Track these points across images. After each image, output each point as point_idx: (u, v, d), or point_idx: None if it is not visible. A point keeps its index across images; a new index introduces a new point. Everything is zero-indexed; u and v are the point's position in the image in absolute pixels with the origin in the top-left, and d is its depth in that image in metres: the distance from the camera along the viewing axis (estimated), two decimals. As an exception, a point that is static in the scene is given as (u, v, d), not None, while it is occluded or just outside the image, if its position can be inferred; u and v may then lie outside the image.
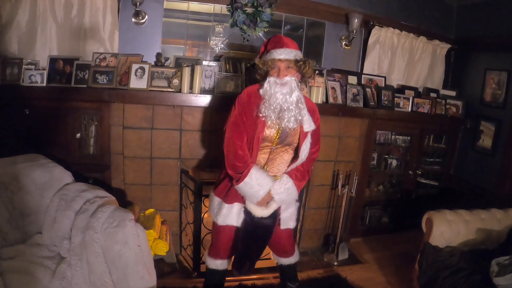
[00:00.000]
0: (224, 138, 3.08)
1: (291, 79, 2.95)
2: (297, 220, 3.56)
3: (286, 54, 2.92)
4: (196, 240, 4.17)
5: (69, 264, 3.05)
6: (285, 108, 2.92)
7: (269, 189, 3.02)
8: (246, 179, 2.96)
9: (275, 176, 3.14)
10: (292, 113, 2.95)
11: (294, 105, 2.95)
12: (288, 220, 3.33)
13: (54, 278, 2.94)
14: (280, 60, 2.93)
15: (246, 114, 3.01)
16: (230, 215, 3.19)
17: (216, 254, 3.40)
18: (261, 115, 2.95)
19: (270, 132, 3.04)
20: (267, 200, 3.07)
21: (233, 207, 3.18)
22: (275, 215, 3.19)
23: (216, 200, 3.26)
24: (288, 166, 3.18)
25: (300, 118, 3.00)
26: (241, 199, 3.15)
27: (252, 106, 3.01)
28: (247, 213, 3.13)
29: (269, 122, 2.96)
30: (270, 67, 2.97)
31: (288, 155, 3.18)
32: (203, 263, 4.12)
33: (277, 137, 3.06)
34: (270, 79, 2.96)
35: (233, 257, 3.46)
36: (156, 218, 4.11)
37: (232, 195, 3.15)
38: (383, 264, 4.87)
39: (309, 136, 3.13)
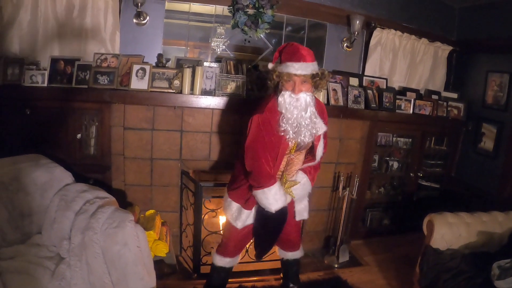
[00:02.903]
0: (247, 156, 3.06)
1: (305, 95, 2.92)
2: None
3: (303, 69, 2.87)
4: (196, 242, 4.17)
5: (69, 265, 3.04)
6: (302, 124, 2.92)
7: (281, 207, 3.07)
8: (266, 189, 3.01)
9: (292, 182, 3.22)
10: (308, 128, 2.95)
11: (309, 120, 2.95)
12: (302, 212, 3.44)
13: (53, 278, 2.94)
14: (296, 75, 2.87)
15: (270, 132, 2.97)
16: (249, 218, 3.26)
17: (227, 253, 3.47)
18: (281, 129, 2.93)
19: (290, 144, 3.05)
20: None
21: (252, 210, 3.25)
22: (285, 212, 3.21)
23: (235, 205, 3.28)
24: (303, 164, 3.25)
25: (314, 132, 3.01)
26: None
27: (274, 123, 2.97)
28: (258, 208, 3.20)
29: (287, 136, 2.95)
30: (286, 81, 2.92)
31: (302, 156, 3.24)
32: (203, 264, 4.15)
33: (294, 148, 3.09)
34: (285, 94, 2.93)
35: (240, 253, 3.62)
36: (156, 219, 4.10)
37: (252, 200, 3.20)
38: (384, 267, 4.85)
39: (322, 138, 3.20)
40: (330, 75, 3.05)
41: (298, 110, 2.89)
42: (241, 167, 3.20)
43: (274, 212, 3.06)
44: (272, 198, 3.02)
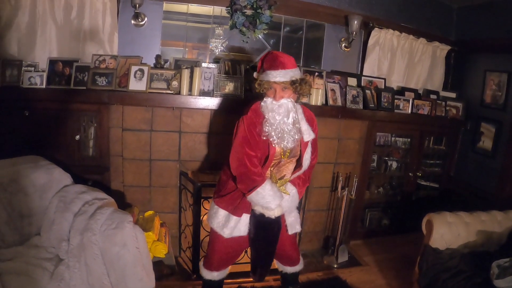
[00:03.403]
0: (231, 157, 3.06)
1: (287, 102, 2.96)
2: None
3: (281, 76, 2.90)
4: (195, 243, 4.17)
5: (68, 266, 3.05)
6: (285, 129, 2.94)
7: (279, 202, 3.04)
8: (259, 189, 2.96)
9: (283, 180, 3.17)
10: (291, 134, 2.96)
11: (291, 126, 2.97)
12: (294, 224, 3.35)
13: (52, 279, 2.94)
14: (275, 82, 2.91)
15: (255, 131, 2.99)
16: (238, 227, 3.17)
17: (213, 266, 3.38)
18: (265, 133, 2.95)
19: (278, 149, 3.04)
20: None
21: (241, 218, 3.17)
22: (279, 221, 3.18)
23: (222, 212, 3.21)
24: (291, 174, 3.20)
25: (297, 137, 3.02)
26: (249, 209, 3.16)
27: (258, 124, 2.99)
28: (255, 216, 3.13)
29: (271, 139, 2.96)
30: (266, 89, 2.97)
31: (292, 165, 3.20)
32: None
33: (282, 152, 3.07)
34: (267, 100, 2.98)
35: (230, 266, 3.51)
36: (155, 220, 4.10)
37: (242, 207, 3.15)
38: (383, 267, 4.86)
39: (309, 145, 3.16)
40: (311, 80, 3.05)
41: (281, 116, 2.92)
42: (229, 173, 3.17)
43: (274, 209, 3.02)
44: (268, 195, 2.98)
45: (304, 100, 4.31)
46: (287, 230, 3.30)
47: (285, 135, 2.94)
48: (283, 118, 2.93)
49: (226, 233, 3.16)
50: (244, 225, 3.18)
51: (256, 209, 3.10)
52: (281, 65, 2.92)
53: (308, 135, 3.10)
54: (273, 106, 2.94)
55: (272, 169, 3.13)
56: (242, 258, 3.98)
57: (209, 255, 3.42)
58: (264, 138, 2.96)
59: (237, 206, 3.16)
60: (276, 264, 3.64)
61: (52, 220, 3.28)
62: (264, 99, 3.00)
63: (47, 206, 3.39)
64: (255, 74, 3.09)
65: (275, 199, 3.01)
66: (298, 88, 2.97)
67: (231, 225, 3.15)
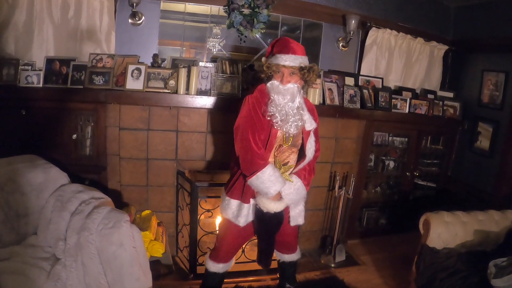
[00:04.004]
0: (237, 138, 3.08)
1: (293, 86, 3.00)
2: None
3: (291, 60, 2.95)
4: (192, 242, 4.16)
5: (64, 265, 3.04)
6: (288, 112, 2.97)
7: (280, 188, 3.04)
8: (259, 174, 2.98)
9: (287, 166, 3.19)
10: (294, 118, 2.99)
11: (296, 111, 3.00)
12: (297, 217, 3.37)
13: (49, 279, 2.93)
14: (284, 66, 2.95)
15: (260, 112, 3.02)
16: (250, 213, 3.21)
17: (220, 258, 3.42)
18: (269, 113, 2.98)
19: (279, 133, 3.08)
20: (278, 196, 3.09)
21: (250, 204, 3.20)
22: (280, 215, 3.19)
23: (234, 202, 3.23)
24: (296, 165, 3.22)
25: (300, 124, 3.05)
26: (254, 195, 3.17)
27: (263, 103, 3.02)
28: (258, 210, 3.16)
29: (274, 121, 2.98)
30: (274, 72, 3.00)
31: (294, 155, 3.21)
32: (200, 265, 4.15)
33: (284, 138, 3.09)
34: (274, 83, 3.01)
35: (233, 258, 3.57)
36: (152, 220, 4.09)
37: (248, 194, 3.17)
38: (381, 266, 4.86)
39: (312, 134, 3.18)
40: (319, 69, 3.08)
41: (286, 100, 2.96)
42: (235, 165, 3.21)
43: (273, 194, 3.03)
44: (268, 180, 2.98)
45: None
46: (289, 221, 3.32)
47: (290, 117, 2.96)
48: (288, 102, 2.96)
49: (241, 221, 3.19)
50: (253, 211, 3.22)
51: (258, 202, 3.12)
52: (291, 50, 2.97)
53: (310, 124, 3.15)
54: (280, 89, 2.97)
55: (275, 153, 3.14)
56: (240, 258, 3.99)
57: (218, 246, 3.46)
58: (268, 118, 2.98)
59: (244, 192, 3.18)
60: (275, 253, 3.65)
61: (49, 220, 3.28)
62: (272, 81, 3.02)
63: (44, 206, 3.38)
64: (263, 59, 3.11)
65: (275, 184, 3.01)
66: (305, 75, 3.01)
67: (245, 213, 3.19)
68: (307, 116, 3.13)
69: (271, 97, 2.99)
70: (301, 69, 2.98)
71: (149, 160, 4.32)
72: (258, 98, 3.03)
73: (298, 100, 3.01)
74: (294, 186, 3.14)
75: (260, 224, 3.22)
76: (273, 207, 3.08)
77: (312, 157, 3.23)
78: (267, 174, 2.98)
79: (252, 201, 3.19)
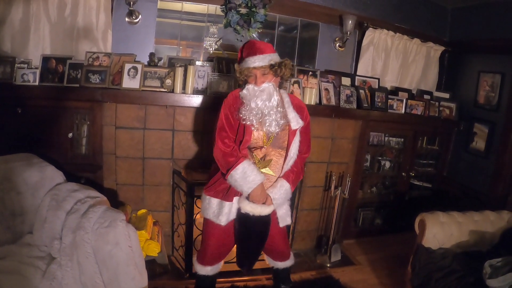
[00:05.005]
0: (214, 143, 3.11)
1: (268, 85, 3.00)
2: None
3: (260, 60, 2.96)
4: (188, 241, 4.16)
5: (60, 265, 3.03)
6: (265, 113, 2.97)
7: (256, 185, 3.00)
8: (232, 172, 2.99)
9: (266, 161, 3.14)
10: (273, 117, 2.99)
11: (275, 110, 3.00)
12: (285, 217, 3.33)
13: (44, 278, 2.92)
14: (255, 68, 2.96)
15: (232, 115, 3.05)
16: (232, 211, 3.17)
17: (206, 261, 3.38)
18: (242, 117, 2.99)
19: (258, 134, 3.08)
20: (262, 197, 3.07)
21: (233, 203, 3.16)
22: (265, 219, 3.17)
23: (215, 201, 3.20)
24: (282, 167, 3.19)
25: (282, 121, 3.04)
26: (239, 193, 3.14)
27: (237, 108, 3.05)
28: (242, 214, 3.13)
29: (249, 123, 3.00)
30: (247, 76, 3.02)
31: (282, 159, 3.18)
32: (195, 264, 4.13)
33: (265, 138, 3.09)
34: (249, 87, 3.01)
35: (222, 262, 3.52)
36: (148, 219, 4.09)
37: (231, 191, 3.14)
38: (376, 266, 4.87)
39: (298, 134, 3.16)
40: (290, 63, 3.08)
41: (263, 100, 2.96)
42: (214, 165, 3.23)
43: (248, 192, 3.01)
44: (241, 179, 2.98)
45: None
46: (278, 223, 3.29)
47: (266, 118, 2.97)
48: (265, 102, 2.96)
49: (222, 220, 3.15)
50: (236, 209, 3.18)
51: (241, 206, 3.10)
52: (258, 51, 2.98)
53: (296, 122, 3.12)
54: (255, 91, 2.98)
55: (258, 155, 3.13)
56: (234, 257, 3.99)
57: (202, 249, 3.41)
58: (243, 123, 3.00)
59: (227, 191, 3.16)
60: (267, 260, 3.64)
61: (45, 219, 3.26)
62: (246, 86, 3.02)
63: (40, 204, 3.36)
64: (236, 66, 3.12)
65: (249, 183, 2.99)
66: (278, 71, 3.01)
67: (226, 211, 3.14)
68: (292, 115, 3.11)
69: (245, 103, 3.00)
70: (271, 66, 2.97)
71: (145, 159, 4.32)
72: (229, 102, 3.08)
73: (276, 98, 3.01)
74: (283, 189, 3.14)
75: (242, 229, 3.18)
76: (259, 210, 3.07)
77: (298, 158, 3.20)
78: (239, 172, 2.98)
79: (235, 199, 3.16)
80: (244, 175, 2.97)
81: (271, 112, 2.97)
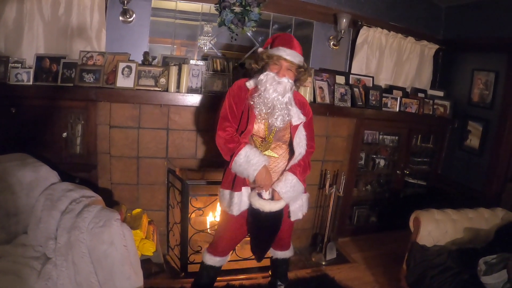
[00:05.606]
0: (216, 131, 3.11)
1: (287, 81, 2.99)
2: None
3: (293, 56, 2.99)
4: (183, 240, 4.16)
5: (55, 265, 3.02)
6: (276, 106, 2.97)
7: (260, 167, 3.02)
8: (236, 158, 3.01)
9: (268, 144, 3.16)
10: (281, 112, 3.00)
11: (284, 105, 3.00)
12: (297, 212, 3.35)
13: (39, 278, 2.91)
14: (285, 59, 2.97)
15: (236, 105, 3.08)
16: (243, 200, 3.17)
17: (218, 251, 3.43)
18: (252, 103, 3.01)
19: (258, 127, 3.10)
20: (268, 180, 3.09)
21: (242, 193, 3.17)
22: (277, 214, 3.18)
23: (226, 192, 3.24)
24: (288, 162, 3.22)
25: (287, 118, 3.06)
26: (247, 183, 3.17)
27: (242, 98, 3.08)
28: (253, 209, 3.14)
29: (257, 113, 3.03)
30: (273, 62, 3.01)
31: (282, 150, 3.21)
32: (191, 263, 4.14)
33: (267, 131, 3.11)
34: (269, 74, 3.00)
35: (230, 252, 3.57)
36: (143, 218, 4.08)
37: (238, 182, 3.15)
38: (371, 264, 4.88)
39: (301, 128, 3.18)
40: (312, 70, 3.11)
41: (277, 93, 2.96)
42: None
43: (254, 175, 3.03)
44: (245, 162, 3.00)
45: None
46: (289, 216, 3.32)
47: (276, 111, 2.99)
48: (278, 96, 2.97)
49: (234, 210, 3.16)
50: (247, 198, 3.18)
51: (252, 202, 3.11)
52: (294, 47, 3.03)
53: (297, 118, 3.15)
54: (274, 80, 2.97)
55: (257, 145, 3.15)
56: (231, 256, 3.99)
57: (216, 240, 3.46)
58: (253, 110, 3.03)
59: (235, 181, 3.17)
60: None
61: (39, 219, 3.25)
62: (266, 72, 3.02)
63: (34, 204, 3.35)
64: (260, 49, 3.15)
65: (253, 165, 3.01)
66: (301, 74, 3.08)
67: (236, 201, 3.15)
68: (294, 110, 3.13)
69: (261, 89, 2.99)
70: (299, 67, 3.02)
71: (139, 158, 4.31)
72: (235, 91, 3.11)
73: (288, 95, 3.02)
74: (290, 184, 3.13)
75: (256, 222, 3.19)
76: (269, 207, 3.08)
77: (304, 152, 3.23)
78: (242, 157, 3.00)
79: (244, 189, 3.16)
80: (247, 158, 3.00)
81: (281, 106, 2.98)
